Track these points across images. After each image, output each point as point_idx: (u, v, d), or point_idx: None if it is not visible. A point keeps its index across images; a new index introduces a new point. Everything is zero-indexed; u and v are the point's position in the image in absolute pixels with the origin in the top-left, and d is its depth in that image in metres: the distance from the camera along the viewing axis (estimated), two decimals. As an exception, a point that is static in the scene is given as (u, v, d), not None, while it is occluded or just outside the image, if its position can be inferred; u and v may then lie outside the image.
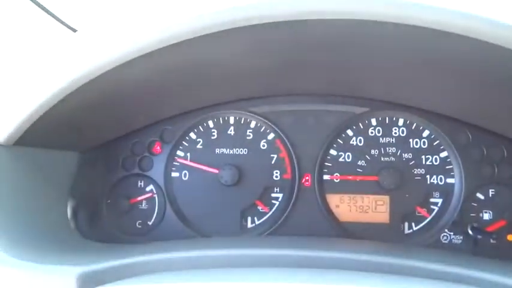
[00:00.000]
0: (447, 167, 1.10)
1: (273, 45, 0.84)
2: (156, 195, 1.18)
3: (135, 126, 1.21)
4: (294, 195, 1.13)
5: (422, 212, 1.10)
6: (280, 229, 1.13)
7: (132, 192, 1.19)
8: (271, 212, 1.16)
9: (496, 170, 1.07)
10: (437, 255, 0.90)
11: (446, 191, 1.09)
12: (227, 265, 0.81)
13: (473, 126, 1.09)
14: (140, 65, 0.80)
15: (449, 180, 1.09)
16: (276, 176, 1.16)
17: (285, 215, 1.13)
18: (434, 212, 1.10)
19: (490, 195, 1.07)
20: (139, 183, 1.20)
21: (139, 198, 1.18)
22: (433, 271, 0.75)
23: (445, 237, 1.07)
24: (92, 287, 0.73)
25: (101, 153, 1.20)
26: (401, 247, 0.99)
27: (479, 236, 1.04)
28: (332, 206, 1.13)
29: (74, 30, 1.40)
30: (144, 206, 1.18)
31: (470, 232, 1.03)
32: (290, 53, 0.90)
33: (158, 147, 1.21)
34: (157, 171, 1.19)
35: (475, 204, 1.07)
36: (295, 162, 1.15)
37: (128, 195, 1.18)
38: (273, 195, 1.16)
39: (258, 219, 1.16)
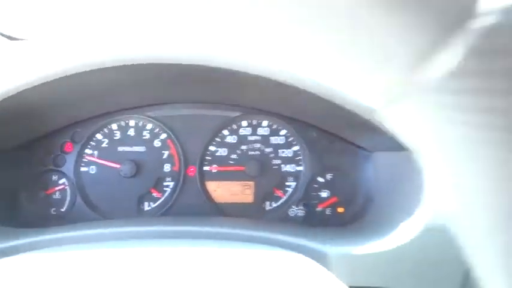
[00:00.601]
0: (297, 158, 1.43)
1: (152, 73, 1.11)
2: (68, 187, 1.43)
3: (49, 130, 1.44)
4: (181, 183, 1.43)
5: (279, 193, 1.43)
6: (171, 210, 1.43)
7: (47, 185, 1.43)
8: (163, 198, 1.44)
9: (333, 159, 1.42)
10: (279, 227, 1.23)
11: (296, 176, 1.43)
12: (121, 238, 1.09)
13: (318, 128, 1.42)
14: (56, 83, 1.04)
15: (299, 168, 1.43)
16: (167, 168, 1.45)
17: (174, 199, 1.42)
18: (288, 193, 1.43)
19: (328, 179, 1.42)
20: (53, 177, 1.44)
21: (53, 190, 1.43)
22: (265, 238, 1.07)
23: (292, 212, 1.41)
24: None
25: (20, 152, 1.42)
26: (257, 222, 1.31)
27: (315, 210, 1.39)
28: (211, 191, 1.44)
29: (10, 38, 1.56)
30: (57, 196, 1.43)
31: (303, 208, 1.38)
32: (168, 77, 1.17)
33: (70, 147, 1.45)
34: (69, 167, 1.43)
35: (316, 186, 1.42)
36: (182, 157, 1.43)
37: (44, 188, 1.42)
38: (165, 183, 1.45)
39: (153, 204, 1.45)
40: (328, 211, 1.40)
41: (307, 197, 1.41)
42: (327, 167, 1.41)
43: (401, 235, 0.96)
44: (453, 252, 0.99)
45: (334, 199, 1.40)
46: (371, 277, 0.94)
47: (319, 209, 1.41)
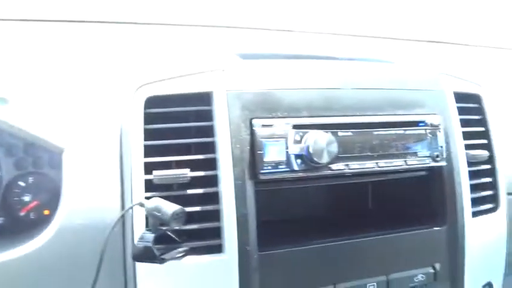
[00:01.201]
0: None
1: None
2: None
3: None
4: None
5: (-25, 203, 1.36)
6: None
7: None
8: None
9: (33, 163, 1.40)
10: None
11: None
12: None
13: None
14: None
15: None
16: None
17: None
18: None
19: (30, 182, 1.40)
20: None
21: None
22: None
23: (-4, 220, 1.37)
24: None
25: None
26: None
27: (19, 215, 1.37)
28: None
29: None
30: None
31: (5, 214, 1.34)
32: None
33: None
34: None
35: (18, 190, 1.39)
36: None
37: None
38: None
39: None
40: (32, 215, 1.39)
41: (8, 203, 1.38)
42: (27, 170, 1.39)
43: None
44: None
45: (35, 203, 1.40)
46: (11, 285, 0.98)
47: (23, 213, 1.39)
